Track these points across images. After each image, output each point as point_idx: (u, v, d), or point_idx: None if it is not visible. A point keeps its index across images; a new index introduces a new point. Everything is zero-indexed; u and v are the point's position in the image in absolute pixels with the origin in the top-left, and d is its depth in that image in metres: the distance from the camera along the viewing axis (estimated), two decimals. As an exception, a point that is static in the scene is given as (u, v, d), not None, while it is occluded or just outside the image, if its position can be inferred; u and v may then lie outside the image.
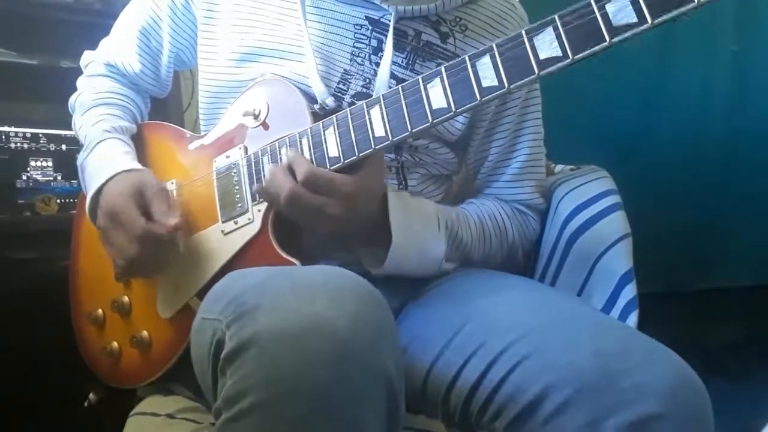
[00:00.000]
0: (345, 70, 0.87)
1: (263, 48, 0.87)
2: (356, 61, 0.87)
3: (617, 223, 0.95)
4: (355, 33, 0.87)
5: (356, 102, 0.85)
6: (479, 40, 0.91)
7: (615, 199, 0.97)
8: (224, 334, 0.59)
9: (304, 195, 0.74)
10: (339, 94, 0.87)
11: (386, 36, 0.86)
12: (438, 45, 0.89)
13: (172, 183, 0.89)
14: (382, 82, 0.84)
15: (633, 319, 0.92)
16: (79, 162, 0.94)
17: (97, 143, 0.91)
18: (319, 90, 0.84)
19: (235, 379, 0.57)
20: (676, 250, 2.03)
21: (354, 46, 0.87)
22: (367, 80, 0.87)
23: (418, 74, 0.85)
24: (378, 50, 0.87)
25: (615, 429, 0.61)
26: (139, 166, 0.89)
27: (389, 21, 0.86)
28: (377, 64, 0.87)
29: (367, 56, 0.87)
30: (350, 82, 0.87)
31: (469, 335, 0.75)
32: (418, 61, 0.88)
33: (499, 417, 0.69)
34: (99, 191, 0.86)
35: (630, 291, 0.93)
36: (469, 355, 0.73)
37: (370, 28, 0.87)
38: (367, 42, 0.87)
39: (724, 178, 2.04)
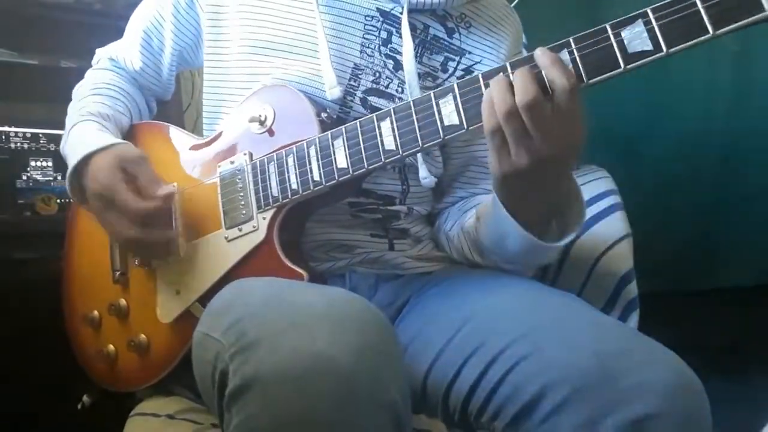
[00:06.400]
0: (355, 64, 0.87)
1: (274, 42, 0.87)
2: (366, 53, 0.87)
3: (617, 224, 0.95)
4: (365, 24, 0.87)
5: (368, 98, 0.86)
6: (482, 37, 0.92)
7: (615, 199, 0.97)
8: (227, 366, 0.58)
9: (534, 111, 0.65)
10: (351, 90, 0.87)
11: (396, 28, 0.87)
12: (445, 39, 0.90)
13: (174, 186, 0.88)
14: (410, 75, 0.83)
15: (633, 319, 0.92)
16: (61, 151, 0.93)
17: (71, 128, 0.91)
18: (330, 83, 0.83)
19: (240, 418, 0.56)
20: (676, 250, 2.02)
21: (364, 38, 0.87)
22: (377, 74, 0.87)
23: (426, 67, 0.87)
24: (387, 42, 0.87)
25: (613, 428, 0.61)
26: (112, 139, 0.87)
27: (400, 13, 0.87)
28: (387, 56, 0.87)
29: (377, 47, 0.87)
30: (360, 78, 0.87)
31: (469, 335, 0.75)
32: (426, 53, 0.89)
33: (498, 416, 0.69)
34: (73, 172, 0.85)
35: (630, 291, 0.93)
36: (468, 354, 0.73)
37: (381, 19, 0.88)
38: (377, 34, 0.87)
39: (724, 178, 2.03)
